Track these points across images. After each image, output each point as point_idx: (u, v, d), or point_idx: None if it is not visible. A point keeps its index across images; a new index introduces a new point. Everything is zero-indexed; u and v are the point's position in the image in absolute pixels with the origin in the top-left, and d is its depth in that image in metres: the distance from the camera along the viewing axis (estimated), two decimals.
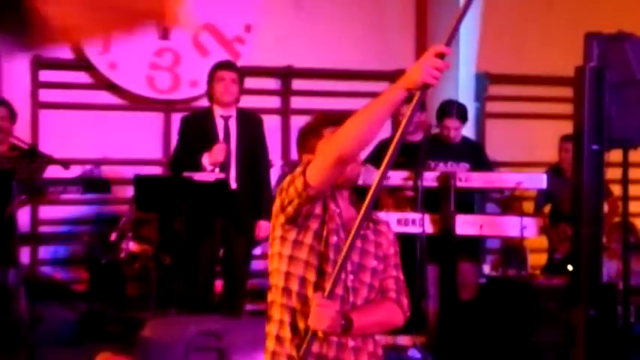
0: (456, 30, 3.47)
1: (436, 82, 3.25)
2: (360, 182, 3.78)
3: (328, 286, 3.45)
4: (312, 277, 3.58)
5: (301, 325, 3.54)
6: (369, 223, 3.74)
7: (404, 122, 3.44)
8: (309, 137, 3.80)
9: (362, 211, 3.46)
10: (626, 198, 8.19)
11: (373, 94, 10.23)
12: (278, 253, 3.66)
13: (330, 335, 3.52)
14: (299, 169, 3.54)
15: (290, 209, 3.55)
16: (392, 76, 10.64)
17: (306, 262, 3.60)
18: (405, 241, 7.42)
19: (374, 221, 3.84)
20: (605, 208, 9.57)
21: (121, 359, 3.99)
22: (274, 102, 10.42)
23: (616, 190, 9.08)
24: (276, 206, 3.64)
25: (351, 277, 3.61)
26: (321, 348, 3.55)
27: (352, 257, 3.61)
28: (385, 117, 3.41)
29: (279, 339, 3.65)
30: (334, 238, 3.58)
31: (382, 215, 7.67)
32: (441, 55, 3.24)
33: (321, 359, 3.57)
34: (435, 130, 8.34)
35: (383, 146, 8.49)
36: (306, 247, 3.60)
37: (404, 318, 3.79)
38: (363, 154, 3.85)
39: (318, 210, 3.59)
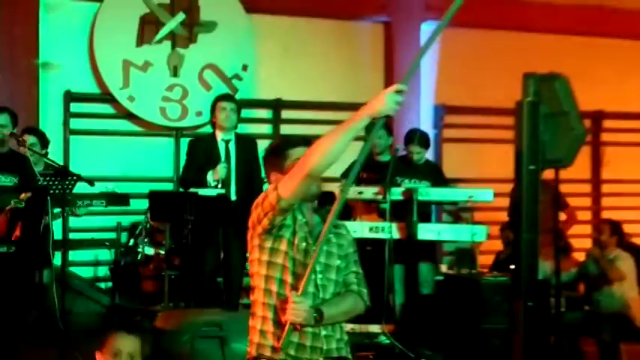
0: (412, 71, 3.62)
1: (395, 112, 3.46)
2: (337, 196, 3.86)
3: (301, 286, 3.56)
4: (288, 278, 3.67)
5: (281, 319, 3.63)
6: (334, 228, 3.84)
7: (368, 144, 3.58)
8: (274, 157, 3.90)
9: (328, 220, 3.58)
10: (557, 208, 8.35)
11: (335, 123, 10.24)
12: (257, 259, 3.75)
13: (305, 326, 3.62)
14: (271, 186, 3.67)
15: (265, 221, 3.65)
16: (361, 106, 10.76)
17: (282, 266, 3.70)
18: (376, 245, 7.56)
19: (335, 225, 3.87)
20: (564, 217, 9.71)
21: (131, 338, 3.96)
22: (266, 129, 10.45)
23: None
24: (252, 219, 3.74)
25: (320, 276, 3.72)
26: (299, 338, 3.64)
27: (320, 259, 3.71)
28: (350, 140, 3.49)
29: (262, 332, 3.72)
30: (303, 244, 3.69)
31: (357, 224, 7.79)
32: (399, 92, 3.38)
33: (300, 347, 3.65)
34: (402, 153, 8.42)
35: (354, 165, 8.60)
36: (282, 254, 3.70)
37: (365, 306, 3.92)
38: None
39: (288, 221, 3.69)
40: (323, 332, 3.68)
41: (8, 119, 7.69)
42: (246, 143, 8.02)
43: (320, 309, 3.63)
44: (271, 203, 3.61)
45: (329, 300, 3.73)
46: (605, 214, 11.06)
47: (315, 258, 3.60)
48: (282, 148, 3.90)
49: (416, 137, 8.49)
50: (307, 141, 3.82)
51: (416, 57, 3.64)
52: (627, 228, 10.67)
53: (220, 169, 7.61)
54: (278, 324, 3.67)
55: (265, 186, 8.41)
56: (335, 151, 3.48)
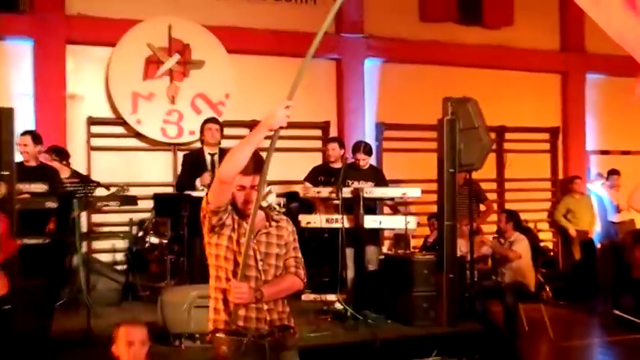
0: (294, 90, 3.63)
1: (285, 124, 3.48)
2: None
3: (240, 272, 3.54)
4: (230, 267, 3.67)
5: (229, 299, 3.66)
6: (272, 222, 3.82)
7: (270, 152, 3.50)
8: None
9: (249, 223, 3.55)
10: (471, 201, 8.46)
11: (308, 138, 10.32)
12: (208, 252, 3.76)
13: (248, 304, 3.64)
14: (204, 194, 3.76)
15: (206, 223, 3.67)
16: (320, 125, 10.86)
17: (225, 257, 3.70)
18: (332, 232, 7.63)
19: (275, 221, 3.85)
20: (483, 208, 9.81)
21: (138, 327, 3.87)
22: None
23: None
24: (200, 220, 3.76)
25: (260, 262, 3.70)
26: (246, 312, 3.63)
27: (260, 249, 3.73)
28: (252, 150, 3.50)
29: (216, 310, 3.72)
30: (242, 240, 3.69)
31: (316, 216, 7.83)
32: (288, 107, 3.50)
33: (247, 319, 3.64)
34: (350, 160, 8.45)
35: (316, 170, 8.63)
36: (224, 247, 3.69)
37: (302, 284, 3.87)
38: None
39: (228, 221, 3.69)
40: (265, 307, 3.65)
41: (30, 140, 7.69)
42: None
43: (260, 289, 3.66)
44: (204, 209, 3.65)
45: (270, 281, 3.75)
46: (509, 206, 11.17)
47: (245, 250, 3.62)
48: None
49: (361, 147, 8.51)
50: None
51: (296, 78, 3.66)
52: (525, 215, 10.86)
53: (206, 177, 7.63)
54: (226, 301, 3.69)
55: None
56: (241, 159, 3.49)
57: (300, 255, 3.90)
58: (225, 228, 3.69)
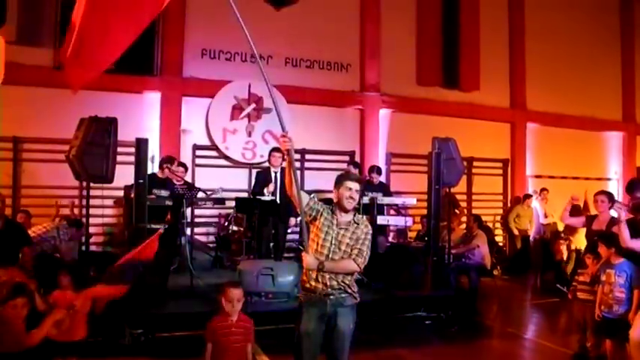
0: (281, 122, 3.75)
1: (286, 148, 3.64)
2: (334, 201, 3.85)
3: (313, 249, 3.68)
4: (314, 245, 3.71)
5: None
6: (354, 223, 3.78)
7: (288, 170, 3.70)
8: (335, 183, 3.88)
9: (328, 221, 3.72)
10: (449, 207, 8.34)
11: (339, 161, 10.15)
12: (311, 234, 3.78)
13: (313, 270, 3.65)
14: None
15: (307, 217, 3.69)
16: (348, 153, 10.80)
17: (312, 239, 3.72)
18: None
19: (357, 222, 3.79)
20: (458, 211, 9.74)
21: (237, 289, 3.89)
22: (297, 165, 10.38)
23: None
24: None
25: (333, 246, 3.69)
26: (315, 277, 3.67)
27: (338, 237, 3.71)
28: (287, 171, 3.69)
29: (304, 272, 3.75)
30: (325, 229, 3.68)
31: (362, 217, 7.76)
32: (282, 137, 3.64)
33: (316, 282, 3.67)
34: (366, 178, 8.41)
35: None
36: (313, 232, 3.72)
37: (358, 268, 3.74)
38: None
39: (318, 216, 3.71)
40: (327, 276, 3.65)
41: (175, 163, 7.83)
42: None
43: (324, 262, 3.64)
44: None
45: (334, 260, 3.69)
46: (474, 211, 11.07)
47: (325, 237, 3.68)
48: (338, 179, 3.88)
49: (374, 169, 8.51)
50: (352, 177, 3.91)
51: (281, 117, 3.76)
52: (485, 217, 10.74)
53: (271, 187, 7.61)
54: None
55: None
56: (286, 182, 3.70)
57: (364, 249, 3.75)
58: (316, 220, 3.73)
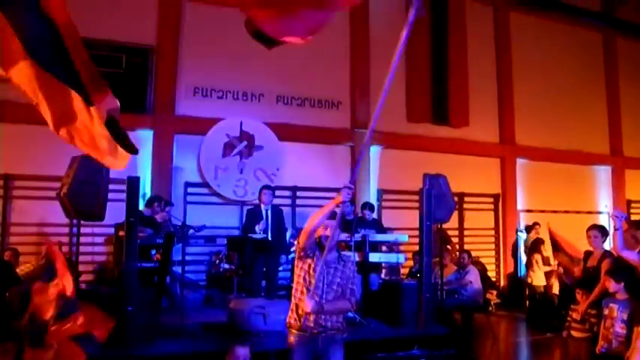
0: (354, 177, 3.73)
1: (348, 200, 3.57)
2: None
3: (312, 290, 3.62)
4: (305, 285, 3.72)
5: (301, 304, 3.63)
6: (341, 261, 3.84)
7: (338, 217, 3.65)
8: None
9: (321, 261, 3.60)
10: (441, 243, 8.30)
11: (331, 198, 10.15)
12: (295, 273, 3.81)
13: (313, 313, 3.63)
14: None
15: (296, 253, 3.74)
16: (339, 189, 10.74)
17: (303, 277, 3.72)
18: None
19: (344, 260, 3.86)
20: (450, 247, 9.70)
21: (244, 347, 3.87)
22: (289, 201, 10.39)
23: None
24: (295, 251, 3.80)
25: (325, 286, 3.70)
26: (309, 316, 3.66)
27: (328, 277, 3.72)
28: (325, 218, 3.61)
29: (292, 311, 3.78)
30: (317, 269, 3.67)
31: (349, 255, 7.70)
32: (349, 188, 3.52)
33: (308, 321, 3.67)
34: (359, 215, 8.39)
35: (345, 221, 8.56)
36: (304, 271, 3.71)
37: (352, 308, 3.86)
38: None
39: (311, 254, 3.71)
40: (322, 317, 3.67)
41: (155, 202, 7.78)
42: (277, 210, 7.95)
43: (322, 305, 3.64)
44: (296, 245, 3.73)
45: (330, 301, 3.70)
46: (466, 247, 11.05)
47: (317, 277, 3.64)
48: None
49: (367, 206, 8.49)
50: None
51: (357, 171, 3.81)
52: (477, 253, 10.71)
53: (261, 224, 7.59)
54: (297, 307, 3.70)
55: (287, 233, 8.39)
56: (317, 224, 3.63)
57: (355, 287, 3.85)
58: (308, 258, 3.74)
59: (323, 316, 3.69)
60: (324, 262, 3.72)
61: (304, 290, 3.71)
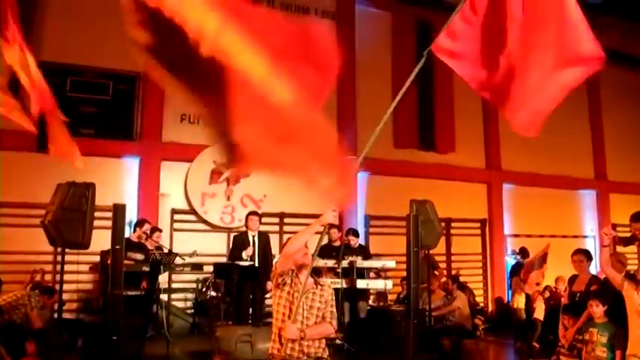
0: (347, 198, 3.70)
1: (334, 221, 3.73)
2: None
3: (292, 317, 3.59)
4: (286, 312, 3.68)
5: (283, 332, 3.61)
6: (318, 286, 3.84)
7: (321, 238, 3.69)
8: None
9: (303, 286, 3.59)
10: (429, 269, 8.29)
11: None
12: (273, 301, 3.80)
13: (295, 339, 3.59)
14: (275, 263, 3.92)
15: (274, 279, 3.74)
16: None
17: (283, 305, 3.70)
18: (335, 291, 7.46)
19: (321, 285, 3.87)
20: (437, 272, 9.68)
21: None
22: (276, 228, 10.37)
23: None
24: (271, 278, 3.79)
25: (305, 312, 3.70)
26: (292, 344, 3.64)
27: (307, 302, 3.72)
28: (308, 238, 3.66)
29: (274, 340, 3.75)
30: (296, 295, 3.67)
31: (323, 280, 7.69)
32: (335, 211, 3.59)
33: (292, 349, 3.66)
34: (346, 241, 8.38)
35: (323, 247, 8.52)
36: (283, 298, 3.70)
37: (334, 331, 3.86)
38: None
39: (287, 280, 3.69)
40: (305, 343, 3.65)
41: (148, 226, 7.75)
42: (264, 237, 7.93)
43: (304, 330, 3.63)
44: (273, 271, 3.72)
45: (311, 326, 3.70)
46: (454, 272, 11.07)
47: (298, 303, 3.62)
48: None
49: (351, 232, 8.49)
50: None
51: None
52: (464, 278, 10.72)
53: (249, 250, 7.57)
54: (280, 336, 3.67)
55: (274, 259, 8.36)
56: (298, 244, 3.66)
57: (335, 310, 3.87)
58: (286, 285, 3.73)
59: (306, 343, 3.67)
60: (300, 287, 3.72)
61: (285, 318, 3.69)
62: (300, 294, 3.63)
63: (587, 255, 5.96)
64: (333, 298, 3.91)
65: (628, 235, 6.19)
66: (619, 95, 14.61)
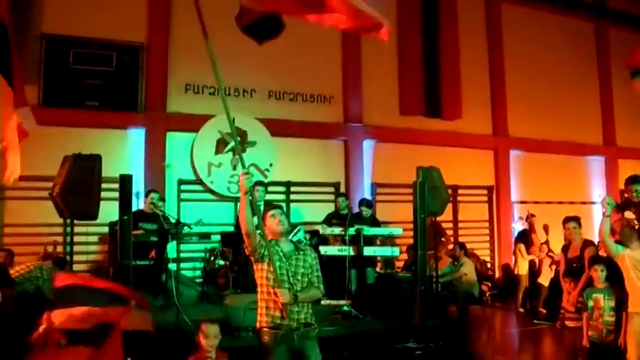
0: (242, 160, 3.99)
1: (250, 186, 3.66)
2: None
3: (277, 284, 3.65)
4: (270, 283, 3.69)
5: (270, 304, 3.68)
6: (300, 251, 3.87)
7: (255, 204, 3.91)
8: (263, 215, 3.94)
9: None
10: (435, 236, 8.32)
11: (324, 193, 10.18)
12: (256, 275, 3.81)
13: (289, 304, 3.64)
14: None
15: (251, 257, 3.77)
16: (333, 184, 10.83)
17: (266, 277, 3.71)
18: (342, 258, 7.52)
19: (302, 250, 3.89)
20: (444, 239, 9.73)
21: (213, 325, 3.86)
22: (283, 197, 10.36)
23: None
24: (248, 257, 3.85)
25: (291, 279, 3.72)
26: (281, 313, 3.68)
27: (291, 269, 3.77)
28: (244, 210, 3.67)
29: (261, 314, 3.78)
30: (278, 263, 3.68)
31: (330, 247, 7.73)
32: (245, 174, 3.63)
33: (282, 319, 3.68)
34: (356, 211, 8.40)
35: (330, 216, 8.56)
36: (265, 271, 3.70)
37: (321, 294, 3.88)
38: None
39: (265, 252, 3.70)
40: (295, 309, 3.68)
41: (157, 196, 7.79)
42: (268, 205, 7.96)
43: (296, 294, 3.66)
44: (246, 250, 3.79)
45: (300, 290, 3.72)
46: (460, 239, 11.10)
47: (280, 272, 3.71)
48: (262, 217, 3.96)
49: (364, 202, 8.50)
50: (270, 207, 4.03)
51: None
52: (471, 245, 10.77)
53: (255, 219, 7.59)
54: (267, 308, 3.70)
55: None
56: (243, 220, 3.68)
57: (320, 274, 3.89)
58: (264, 257, 3.71)
59: (296, 308, 3.70)
60: (283, 254, 3.77)
61: (270, 290, 3.71)
62: (276, 263, 3.71)
63: (579, 222, 6.02)
64: (317, 262, 3.93)
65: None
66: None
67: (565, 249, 6.14)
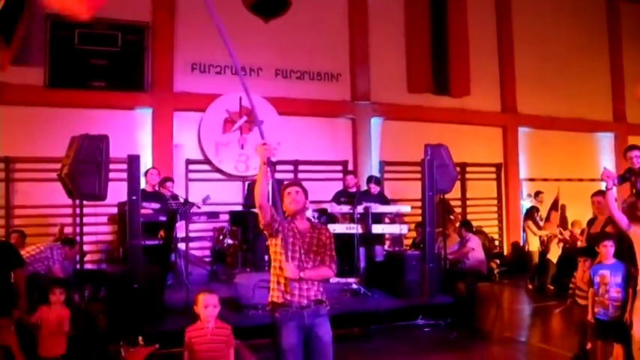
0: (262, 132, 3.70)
1: (266, 156, 3.49)
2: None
3: (288, 259, 3.58)
4: (282, 258, 3.63)
5: (281, 279, 3.62)
6: (315, 229, 3.81)
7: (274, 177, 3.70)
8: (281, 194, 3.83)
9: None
10: (444, 213, 8.31)
11: (333, 171, 10.19)
12: (270, 250, 3.72)
13: (295, 280, 3.60)
14: None
15: (264, 232, 3.68)
16: (341, 162, 10.81)
17: (280, 253, 3.66)
18: (350, 236, 7.55)
19: (318, 228, 3.83)
20: (452, 217, 9.71)
21: (211, 294, 3.88)
22: (291, 175, 10.36)
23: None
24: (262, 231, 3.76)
25: (303, 255, 3.66)
26: (291, 289, 3.60)
27: (304, 246, 3.70)
28: (264, 182, 3.54)
29: (273, 289, 3.65)
30: (291, 240, 3.65)
31: (339, 225, 7.75)
32: (263, 144, 3.51)
33: (292, 295, 3.60)
34: (364, 188, 8.40)
35: (338, 193, 8.56)
36: (278, 246, 3.65)
37: (333, 274, 3.80)
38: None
39: (280, 228, 3.66)
40: (305, 286, 3.62)
41: (155, 172, 7.79)
42: (279, 184, 7.94)
43: (303, 271, 3.64)
44: (259, 225, 3.68)
45: (310, 268, 3.70)
46: (469, 217, 11.10)
47: (292, 248, 3.65)
48: (282, 189, 3.88)
49: (373, 179, 8.49)
50: (287, 185, 3.91)
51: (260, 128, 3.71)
52: (479, 222, 10.77)
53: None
54: (278, 283, 3.65)
55: None
56: (261, 193, 3.55)
57: (334, 254, 3.80)
58: (278, 233, 3.67)
59: (305, 286, 3.65)
60: (297, 231, 3.72)
61: (282, 264, 3.69)
62: (289, 239, 3.66)
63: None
64: (332, 242, 3.85)
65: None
66: None
67: (590, 223, 6.10)
